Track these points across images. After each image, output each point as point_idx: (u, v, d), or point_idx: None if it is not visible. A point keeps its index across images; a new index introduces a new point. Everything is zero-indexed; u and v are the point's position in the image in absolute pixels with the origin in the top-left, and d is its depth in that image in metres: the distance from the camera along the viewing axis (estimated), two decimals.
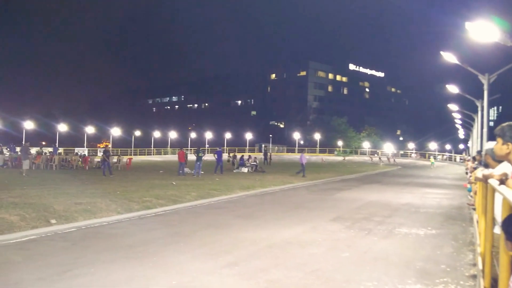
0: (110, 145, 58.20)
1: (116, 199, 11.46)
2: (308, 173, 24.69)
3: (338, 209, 11.85)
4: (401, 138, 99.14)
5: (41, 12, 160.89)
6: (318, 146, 74.48)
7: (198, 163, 21.36)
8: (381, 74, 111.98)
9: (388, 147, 71.26)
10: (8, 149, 31.22)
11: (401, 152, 73.50)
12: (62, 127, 49.67)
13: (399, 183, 22.04)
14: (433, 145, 70.80)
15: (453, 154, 65.55)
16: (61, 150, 41.20)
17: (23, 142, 28.73)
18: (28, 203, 10.02)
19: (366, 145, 73.39)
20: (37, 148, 36.17)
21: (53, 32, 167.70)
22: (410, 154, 71.15)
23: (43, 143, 61.39)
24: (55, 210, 9.43)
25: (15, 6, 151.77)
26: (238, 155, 30.21)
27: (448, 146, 75.38)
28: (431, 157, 58.89)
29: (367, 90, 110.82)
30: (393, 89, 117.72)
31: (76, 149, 43.11)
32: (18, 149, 32.52)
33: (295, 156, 59.13)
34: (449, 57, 16.93)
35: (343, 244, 7.49)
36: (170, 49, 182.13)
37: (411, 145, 76.48)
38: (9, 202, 9.97)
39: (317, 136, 75.05)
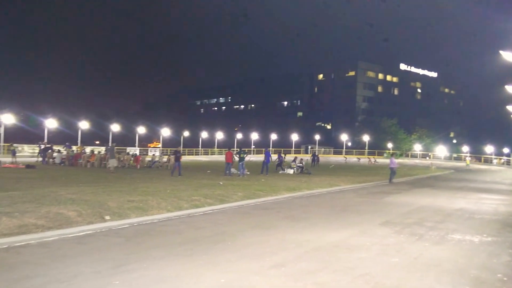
0: (160, 145, 60.08)
1: (166, 197, 11.80)
2: (356, 176, 24.28)
3: (388, 213, 11.57)
4: (454, 141, 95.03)
5: (91, 17, 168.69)
6: (366, 148, 72.95)
7: (241, 163, 21.71)
8: (434, 74, 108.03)
9: (441, 150, 68.55)
10: (65, 147, 32.89)
11: (455, 155, 70.49)
12: (115, 127, 51.66)
13: (452, 188, 21.17)
14: (489, 148, 67.26)
15: (511, 158, 62.03)
16: None
17: (110, 143, 30.49)
18: (84, 199, 10.52)
19: (417, 147, 70.97)
20: (92, 147, 38.01)
21: (105, 37, 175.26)
22: (464, 157, 68.08)
23: (97, 142, 64.31)
24: (109, 207, 9.84)
25: (62, 14, 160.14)
26: (279, 155, 29.69)
27: (506, 150, 71.37)
28: (467, 158, 56.93)
29: (419, 90, 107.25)
30: (446, 90, 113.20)
31: (128, 149, 44.71)
32: (74, 147, 34.36)
33: (342, 158, 58.34)
34: (509, 57, 16.09)
35: (392, 249, 7.31)
36: (217, 51, 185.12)
37: (465, 148, 73.12)
38: (67, 199, 10.52)
39: (366, 138, 73.45)
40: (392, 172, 22.52)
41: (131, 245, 7.11)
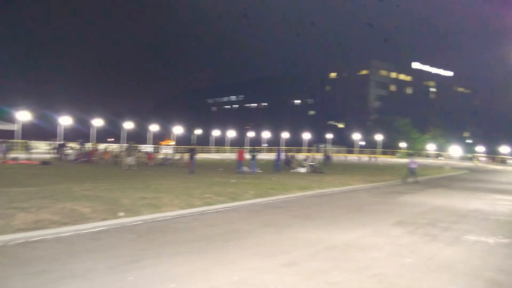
0: (174, 142, 60.45)
1: (179, 194, 11.85)
2: (369, 175, 24.13)
3: (401, 213, 11.48)
4: (470, 141, 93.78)
5: (105, 19, 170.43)
6: (380, 147, 72.42)
7: (253, 161, 22.20)
8: (448, 73, 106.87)
9: (455, 150, 67.72)
10: (79, 144, 33.25)
11: (469, 155, 69.56)
12: (128, 125, 52.08)
13: (467, 188, 20.90)
14: (505, 149, 66.16)
15: None
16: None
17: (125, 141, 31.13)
18: (98, 196, 10.62)
19: (431, 147, 70.21)
20: (105, 145, 38.44)
21: (119, 37, 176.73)
22: (478, 158, 67.12)
23: (111, 139, 64.85)
24: (123, 204, 9.92)
25: (77, 16, 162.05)
26: (285, 154, 29.67)
27: None
28: (478, 158, 57.39)
29: (433, 89, 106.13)
30: (461, 89, 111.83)
31: (141, 146, 45.05)
32: (88, 144, 34.73)
33: (353, 157, 58.52)
34: None
35: (406, 249, 7.26)
36: (230, 49, 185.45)
37: (480, 148, 72.06)
38: (82, 195, 10.63)
39: (378, 137, 72.90)
40: (411, 171, 22.35)
41: (144, 241, 7.17)
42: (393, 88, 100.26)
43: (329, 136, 74.03)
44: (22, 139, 38.19)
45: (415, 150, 71.47)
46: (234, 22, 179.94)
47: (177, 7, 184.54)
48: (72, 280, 5.13)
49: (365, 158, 56.38)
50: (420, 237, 8.29)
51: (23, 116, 38.80)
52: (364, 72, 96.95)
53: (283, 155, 28.86)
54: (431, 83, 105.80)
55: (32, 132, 45.07)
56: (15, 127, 39.88)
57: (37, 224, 7.70)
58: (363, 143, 79.36)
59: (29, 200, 9.45)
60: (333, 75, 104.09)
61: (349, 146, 75.82)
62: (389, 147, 73.06)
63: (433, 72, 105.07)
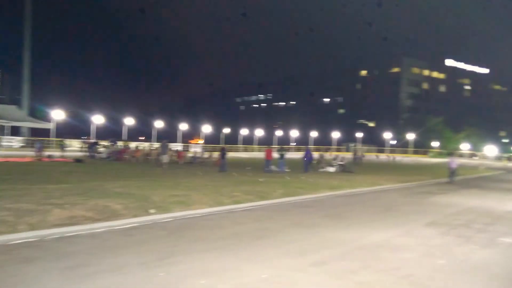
0: (202, 141, 61.14)
1: (208, 192, 11.98)
2: (399, 175, 23.69)
3: (433, 214, 11.22)
4: (506, 140, 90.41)
5: (135, 22, 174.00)
6: (411, 146, 70.89)
7: (281, 160, 22.37)
8: (484, 71, 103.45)
9: (490, 150, 65.55)
10: (111, 143, 34.05)
11: (506, 155, 67.16)
12: (158, 124, 52.99)
13: (503, 189, 20.21)
14: None
15: None
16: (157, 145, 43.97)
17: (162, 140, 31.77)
18: (130, 193, 10.86)
19: (465, 146, 68.21)
20: (136, 143, 39.25)
21: (149, 37, 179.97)
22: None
23: (142, 138, 66.18)
24: (153, 201, 10.11)
25: (109, 17, 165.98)
26: (314, 153, 29.35)
27: None
28: (503, 158, 55.76)
29: (468, 87, 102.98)
30: (497, 87, 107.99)
31: (171, 145, 45.73)
32: (120, 143, 35.53)
33: (383, 156, 57.63)
34: None
35: (438, 250, 7.09)
36: (258, 48, 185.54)
37: None
38: (114, 192, 10.91)
39: (410, 136, 71.36)
40: (453, 172, 21.97)
41: (175, 238, 7.29)
42: (425, 86, 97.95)
43: (359, 135, 73.02)
44: (56, 137, 39.49)
45: (448, 150, 69.67)
46: (273, 21, 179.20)
47: (201, 7, 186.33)
48: (107, 274, 5.27)
49: (383, 156, 56.84)
50: (453, 239, 8.09)
51: (58, 115, 40.10)
52: (396, 69, 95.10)
53: (312, 154, 28.66)
54: (466, 81, 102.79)
55: (66, 131, 46.56)
56: (50, 125, 41.35)
57: (72, 220, 7.95)
58: (395, 142, 77.87)
59: (64, 196, 9.77)
60: (363, 72, 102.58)
61: (380, 145, 74.57)
62: (421, 147, 71.45)
63: (467, 69, 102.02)
